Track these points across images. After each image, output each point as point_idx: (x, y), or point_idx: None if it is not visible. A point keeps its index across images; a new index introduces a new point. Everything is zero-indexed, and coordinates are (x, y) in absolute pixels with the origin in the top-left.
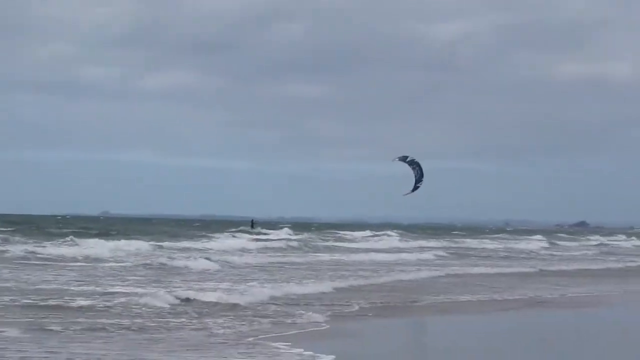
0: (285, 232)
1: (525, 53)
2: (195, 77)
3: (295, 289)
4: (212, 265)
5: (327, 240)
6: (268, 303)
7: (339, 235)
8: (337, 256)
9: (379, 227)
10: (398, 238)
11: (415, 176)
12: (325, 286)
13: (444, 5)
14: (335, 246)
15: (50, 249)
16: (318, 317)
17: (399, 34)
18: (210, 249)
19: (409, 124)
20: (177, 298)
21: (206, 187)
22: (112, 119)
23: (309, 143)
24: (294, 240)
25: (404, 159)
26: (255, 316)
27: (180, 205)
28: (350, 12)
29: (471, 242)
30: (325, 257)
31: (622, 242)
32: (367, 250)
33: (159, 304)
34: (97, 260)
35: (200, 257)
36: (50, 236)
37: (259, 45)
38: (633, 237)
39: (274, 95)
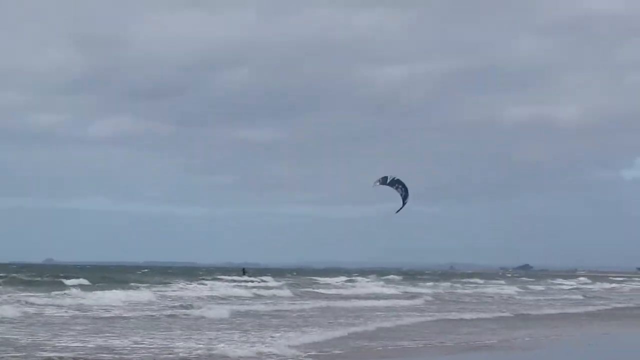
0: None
1: (472, 95)
2: (145, 122)
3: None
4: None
5: (319, 288)
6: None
7: (323, 282)
8: (355, 302)
9: (329, 272)
10: (382, 284)
11: (401, 195)
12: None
13: (391, 49)
14: (340, 294)
15: (60, 300)
16: None
17: (347, 77)
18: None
19: (357, 166)
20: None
21: (155, 232)
22: (60, 165)
23: (259, 187)
24: (286, 286)
25: (384, 181)
26: None
27: (126, 251)
28: (300, 56)
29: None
30: (339, 303)
31: (590, 285)
32: (377, 297)
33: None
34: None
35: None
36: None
37: (208, 89)
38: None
39: (224, 139)
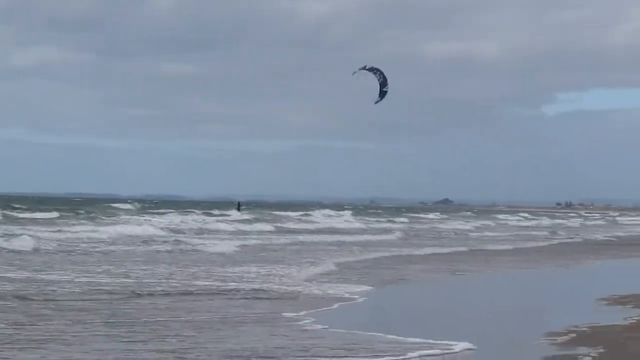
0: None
1: (395, 31)
2: (66, 53)
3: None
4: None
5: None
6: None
7: (285, 215)
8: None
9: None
10: (353, 217)
11: (379, 80)
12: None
13: None
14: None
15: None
16: None
17: (271, 11)
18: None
19: (280, 102)
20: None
21: (77, 164)
22: None
23: (182, 121)
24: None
25: (362, 68)
26: None
27: (46, 183)
28: None
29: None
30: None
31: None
32: (350, 232)
33: None
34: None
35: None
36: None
37: (131, 22)
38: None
39: (147, 72)
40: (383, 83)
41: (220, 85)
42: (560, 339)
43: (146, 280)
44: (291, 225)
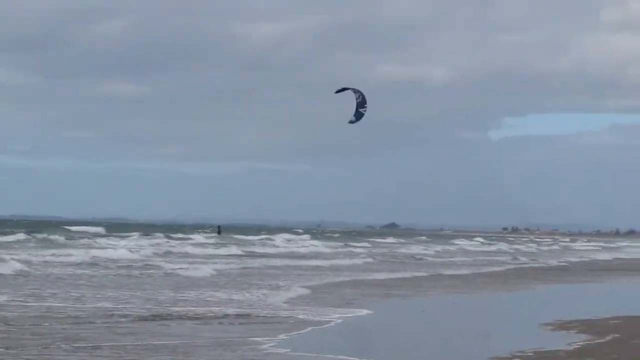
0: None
1: (343, 54)
2: (12, 74)
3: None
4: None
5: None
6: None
7: (249, 239)
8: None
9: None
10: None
11: (357, 100)
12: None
13: (263, 6)
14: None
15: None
16: None
17: (219, 33)
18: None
19: (227, 123)
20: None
21: (18, 185)
22: None
23: (126, 142)
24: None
25: (344, 89)
26: None
27: None
28: (171, 11)
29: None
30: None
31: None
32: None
33: None
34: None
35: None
36: None
37: (77, 43)
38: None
39: (91, 93)
40: (361, 103)
41: (167, 107)
42: None
43: (127, 305)
44: (258, 249)
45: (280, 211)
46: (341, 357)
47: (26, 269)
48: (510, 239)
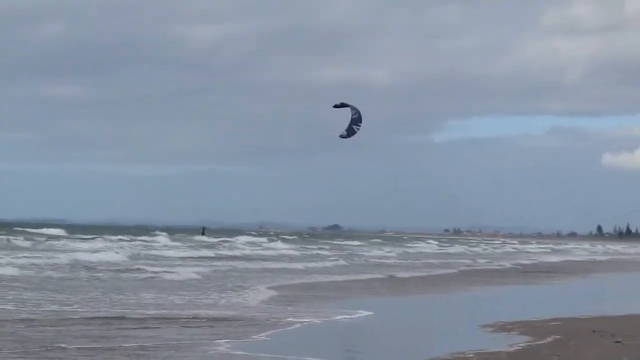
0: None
1: (284, 56)
2: None
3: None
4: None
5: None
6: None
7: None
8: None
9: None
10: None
11: (353, 116)
12: None
13: (205, 8)
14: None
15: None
16: None
17: (160, 35)
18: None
19: (166, 125)
20: None
21: None
22: None
23: (64, 144)
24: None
25: (342, 105)
26: None
27: None
28: (111, 13)
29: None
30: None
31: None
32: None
33: None
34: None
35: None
36: None
37: (13, 45)
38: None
39: (28, 95)
40: (355, 120)
41: (107, 109)
42: None
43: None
44: (227, 252)
45: (221, 213)
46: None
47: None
48: (464, 241)
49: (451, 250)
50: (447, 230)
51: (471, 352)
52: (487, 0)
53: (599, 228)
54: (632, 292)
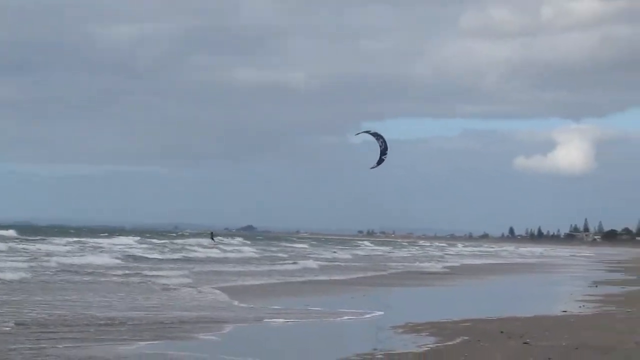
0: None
1: (204, 57)
2: None
3: None
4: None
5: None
6: None
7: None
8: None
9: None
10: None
11: (381, 147)
12: None
13: (122, 8)
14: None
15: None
16: None
17: (79, 35)
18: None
19: (86, 126)
20: None
21: None
22: None
23: None
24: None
25: (367, 131)
26: None
27: None
28: (31, 13)
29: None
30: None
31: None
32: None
33: None
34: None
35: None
36: None
37: None
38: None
39: None
40: (383, 151)
41: (27, 109)
42: None
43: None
44: (193, 254)
45: (139, 213)
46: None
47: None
48: (395, 243)
49: (400, 253)
50: (360, 232)
51: (380, 352)
52: (406, 3)
53: (511, 230)
54: (542, 293)
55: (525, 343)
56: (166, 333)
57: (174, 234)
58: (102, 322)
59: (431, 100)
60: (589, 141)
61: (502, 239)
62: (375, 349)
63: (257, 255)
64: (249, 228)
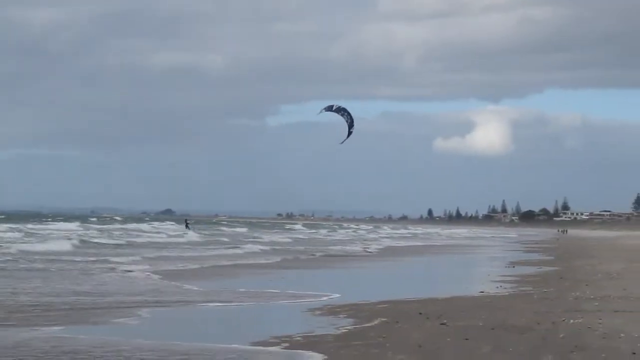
0: None
1: (120, 41)
2: None
3: None
4: None
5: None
6: None
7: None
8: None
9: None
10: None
11: (347, 122)
12: None
13: None
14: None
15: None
16: None
17: None
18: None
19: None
20: None
21: None
22: None
23: None
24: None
25: (329, 108)
26: None
27: None
28: None
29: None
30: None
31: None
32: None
33: None
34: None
35: None
36: None
37: None
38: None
39: None
40: (350, 124)
41: None
42: (272, 349)
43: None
44: (142, 239)
45: (54, 198)
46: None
47: None
48: (328, 225)
49: (339, 236)
50: (279, 215)
51: (298, 335)
52: None
53: (430, 212)
54: (460, 274)
55: (442, 324)
56: (88, 317)
57: (94, 218)
58: (29, 307)
59: (350, 82)
60: (506, 123)
61: (421, 220)
62: (293, 332)
63: (200, 240)
64: (168, 212)
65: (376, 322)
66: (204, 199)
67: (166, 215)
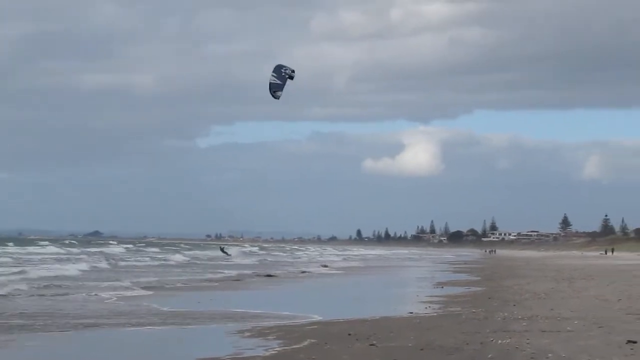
0: None
1: (48, 62)
2: None
3: None
4: None
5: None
6: None
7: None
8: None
9: None
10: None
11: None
12: None
13: None
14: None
15: None
16: None
17: None
18: None
19: None
20: None
21: None
22: None
23: None
24: None
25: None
26: None
27: None
28: None
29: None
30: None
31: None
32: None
33: None
34: None
35: None
36: None
37: None
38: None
39: None
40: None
41: None
42: None
43: None
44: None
45: None
46: None
47: None
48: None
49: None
50: (208, 236)
51: (227, 356)
52: (257, 6)
53: (359, 232)
54: (389, 295)
55: (371, 345)
56: None
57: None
58: None
59: (280, 103)
60: (436, 143)
61: (350, 241)
62: (220, 354)
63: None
64: (96, 234)
65: (305, 343)
66: (133, 220)
67: (94, 236)
